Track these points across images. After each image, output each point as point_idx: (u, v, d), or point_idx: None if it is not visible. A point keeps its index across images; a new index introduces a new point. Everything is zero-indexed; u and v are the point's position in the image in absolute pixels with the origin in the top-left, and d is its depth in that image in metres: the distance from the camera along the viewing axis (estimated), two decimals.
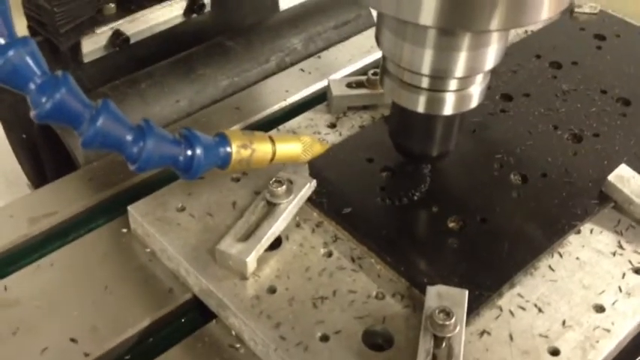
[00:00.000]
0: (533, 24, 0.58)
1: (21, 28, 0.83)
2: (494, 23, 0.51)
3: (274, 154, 0.67)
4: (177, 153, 0.61)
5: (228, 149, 0.64)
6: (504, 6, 0.50)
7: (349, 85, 0.78)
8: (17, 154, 0.96)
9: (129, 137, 0.58)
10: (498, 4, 0.50)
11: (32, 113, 0.54)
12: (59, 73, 0.54)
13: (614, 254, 0.64)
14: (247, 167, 0.66)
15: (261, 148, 0.66)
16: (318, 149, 0.71)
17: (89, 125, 0.55)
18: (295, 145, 0.69)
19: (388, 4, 0.52)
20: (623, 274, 0.62)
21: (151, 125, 0.59)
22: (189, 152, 0.61)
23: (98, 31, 0.85)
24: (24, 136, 0.93)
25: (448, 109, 0.62)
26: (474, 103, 0.63)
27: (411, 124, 0.66)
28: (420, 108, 0.63)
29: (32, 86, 0.53)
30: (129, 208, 0.67)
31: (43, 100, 0.53)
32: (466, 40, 0.56)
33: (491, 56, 0.59)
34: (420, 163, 0.70)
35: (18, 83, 0.53)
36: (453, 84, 0.61)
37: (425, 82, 0.61)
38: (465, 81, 0.61)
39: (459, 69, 0.58)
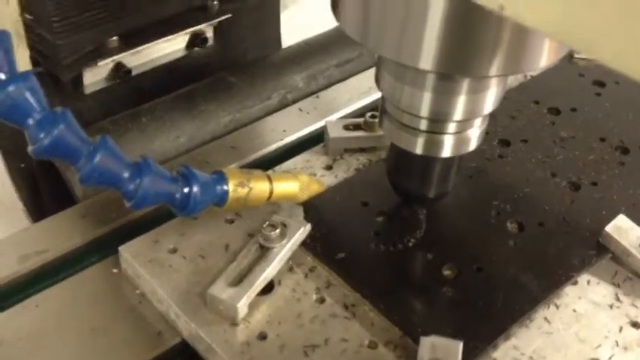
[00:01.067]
0: (532, 71, 0.58)
1: (24, 58, 0.83)
2: (493, 69, 0.51)
3: (271, 192, 0.67)
4: (174, 190, 0.61)
5: (225, 187, 0.64)
6: (503, 53, 0.50)
7: (346, 127, 0.78)
8: (15, 183, 0.96)
9: (126, 174, 0.57)
10: (497, 52, 0.50)
11: (30, 149, 0.54)
12: (58, 109, 0.54)
13: (611, 307, 0.63)
14: (244, 206, 0.66)
15: (259, 187, 0.66)
16: (315, 188, 0.70)
17: (87, 162, 0.55)
18: (293, 184, 0.68)
19: (389, 48, 0.52)
20: (620, 328, 0.61)
21: (148, 162, 0.59)
22: (185, 190, 0.61)
23: (100, 63, 0.84)
24: (22, 165, 0.92)
25: (446, 152, 0.62)
26: (472, 145, 0.63)
27: (409, 165, 0.66)
28: (419, 150, 0.62)
29: (31, 122, 0.53)
30: (120, 248, 0.66)
31: (42, 135, 0.53)
32: (465, 85, 0.56)
33: (490, 100, 0.59)
34: (417, 204, 0.70)
35: (17, 118, 0.53)
36: (451, 127, 0.60)
37: (424, 125, 0.61)
38: (464, 124, 0.61)
39: (458, 112, 0.58)
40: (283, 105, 0.92)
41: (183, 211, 0.62)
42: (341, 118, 0.85)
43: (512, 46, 0.50)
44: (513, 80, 0.91)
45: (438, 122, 0.60)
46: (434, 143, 0.62)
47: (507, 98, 0.84)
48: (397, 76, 0.58)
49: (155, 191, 0.59)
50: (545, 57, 0.52)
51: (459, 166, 0.66)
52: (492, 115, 0.79)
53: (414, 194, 0.69)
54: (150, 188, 0.58)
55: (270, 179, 0.67)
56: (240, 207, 0.66)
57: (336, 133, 0.77)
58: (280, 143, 0.83)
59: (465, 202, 0.71)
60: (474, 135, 0.62)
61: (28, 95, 0.52)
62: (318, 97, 0.91)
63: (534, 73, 0.91)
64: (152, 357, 0.61)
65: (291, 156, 0.78)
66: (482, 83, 0.57)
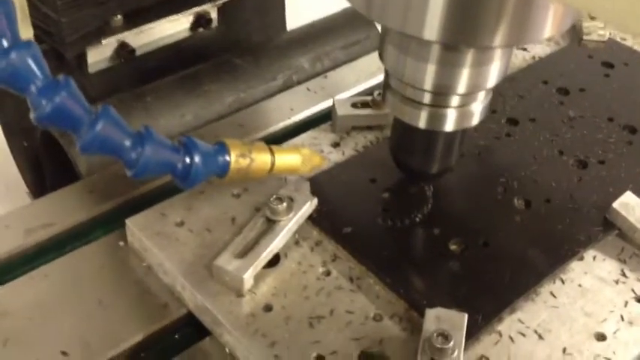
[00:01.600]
0: (535, 42, 0.58)
1: (27, 36, 0.83)
2: (498, 40, 0.51)
3: (273, 164, 0.67)
4: (176, 160, 0.61)
5: (227, 158, 0.64)
6: (507, 22, 0.50)
7: (354, 105, 0.78)
8: (17, 161, 0.96)
9: (127, 143, 0.58)
10: (502, 21, 0.50)
11: (32, 115, 0.54)
12: (61, 76, 0.54)
13: (616, 282, 0.63)
14: (246, 177, 0.66)
15: (260, 158, 0.66)
16: (317, 161, 0.70)
17: (88, 129, 0.55)
18: (294, 157, 0.68)
19: (393, 18, 0.52)
20: (626, 303, 0.61)
21: (150, 131, 0.59)
22: (187, 160, 0.61)
23: (104, 42, 0.84)
24: (25, 143, 0.93)
25: (449, 126, 0.62)
26: (475, 120, 0.63)
27: (412, 140, 0.66)
28: (422, 124, 0.62)
29: (33, 89, 0.53)
30: (127, 221, 0.66)
31: (44, 102, 0.53)
32: (469, 57, 0.56)
33: (493, 74, 0.58)
34: (420, 180, 0.70)
35: (19, 85, 0.53)
36: (454, 100, 0.60)
37: (427, 98, 0.60)
38: (467, 98, 0.60)
39: (462, 85, 0.58)
40: (288, 86, 0.92)
41: (184, 181, 0.62)
42: (349, 96, 0.85)
43: (516, 16, 0.50)
44: (522, 61, 0.90)
45: (441, 95, 0.60)
46: (437, 117, 0.61)
47: (516, 79, 0.85)
48: (401, 48, 0.58)
49: (157, 160, 0.59)
50: (548, 27, 0.52)
51: (461, 141, 0.66)
52: (501, 95, 0.80)
53: (416, 170, 0.69)
54: (151, 157, 0.58)
55: (272, 151, 0.67)
56: (242, 178, 0.66)
57: (343, 110, 0.77)
58: (288, 122, 0.83)
59: (472, 178, 0.71)
60: (477, 109, 0.62)
61: (30, 62, 0.53)
62: (326, 77, 0.91)
63: (543, 54, 0.90)
64: (158, 328, 0.61)
65: (299, 134, 0.78)
66: (485, 55, 0.57)
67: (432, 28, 0.50)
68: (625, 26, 0.33)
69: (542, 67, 0.88)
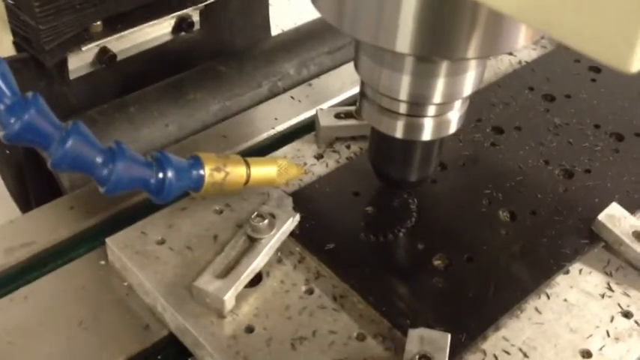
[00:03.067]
0: (509, 51, 0.57)
1: (6, 44, 0.82)
2: (471, 51, 0.50)
3: (249, 177, 0.66)
4: (149, 176, 0.60)
5: (201, 172, 0.63)
6: (480, 34, 0.49)
7: (338, 116, 0.77)
8: (1, 170, 0.95)
9: (99, 159, 0.57)
10: (474, 33, 0.49)
11: (1, 134, 0.53)
12: (29, 94, 0.54)
13: (602, 296, 0.62)
14: (221, 190, 0.66)
15: (236, 171, 0.65)
16: (294, 172, 0.70)
17: (58, 146, 0.55)
18: (270, 169, 0.68)
19: (365, 32, 0.51)
20: (612, 318, 0.60)
21: (122, 147, 0.58)
22: (160, 175, 0.60)
23: (84, 48, 0.84)
24: (7, 151, 0.92)
25: (427, 135, 0.62)
26: (452, 128, 0.62)
27: (389, 149, 0.65)
28: (399, 134, 0.62)
29: (1, 107, 0.53)
30: (107, 240, 0.65)
31: (12, 120, 0.53)
32: (443, 67, 0.56)
33: (469, 83, 0.58)
34: (399, 188, 0.69)
35: None
36: (431, 110, 0.60)
37: (403, 108, 0.60)
38: (444, 107, 0.60)
39: (437, 95, 0.57)
40: (274, 93, 0.91)
41: (158, 196, 0.61)
42: (332, 106, 0.84)
43: (488, 27, 0.49)
44: (508, 66, 0.90)
45: (417, 105, 0.59)
46: (414, 127, 0.61)
47: (502, 85, 0.84)
48: (375, 59, 0.58)
49: (129, 176, 0.58)
50: (522, 37, 0.51)
51: (440, 149, 0.66)
52: (486, 102, 0.79)
53: (395, 179, 0.68)
54: (123, 173, 0.58)
55: (247, 163, 0.66)
56: (218, 192, 0.66)
57: (327, 121, 0.76)
58: (272, 132, 0.83)
59: (456, 190, 0.71)
60: (454, 118, 0.61)
61: None
62: (310, 84, 0.90)
63: (529, 59, 0.90)
64: (139, 350, 0.60)
65: (283, 144, 0.78)
66: (460, 65, 0.56)
67: (404, 40, 0.49)
68: (587, 47, 0.32)
69: (529, 72, 0.87)
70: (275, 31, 1.09)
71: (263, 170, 0.67)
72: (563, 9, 0.32)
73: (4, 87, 0.52)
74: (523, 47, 0.58)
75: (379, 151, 0.67)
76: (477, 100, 0.81)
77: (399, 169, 0.67)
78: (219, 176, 0.64)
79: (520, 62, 0.90)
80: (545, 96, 0.83)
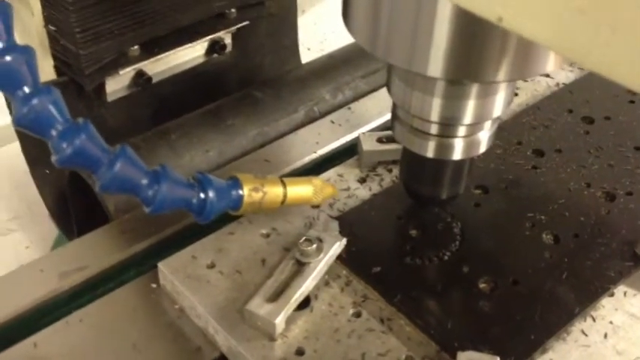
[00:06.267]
0: (539, 74, 0.59)
1: (48, 67, 0.85)
2: (501, 75, 0.52)
3: (285, 196, 0.68)
4: (191, 196, 0.62)
5: (240, 192, 0.65)
6: (510, 59, 0.51)
7: (380, 140, 0.78)
8: (40, 188, 0.98)
9: (144, 181, 0.59)
10: (504, 58, 0.51)
11: (53, 158, 0.55)
12: (80, 120, 0.56)
13: None
14: (259, 210, 0.68)
15: (273, 191, 0.67)
16: (329, 192, 0.71)
17: (107, 169, 0.57)
18: (306, 188, 0.69)
19: (398, 57, 0.53)
20: None
21: (166, 169, 0.60)
22: (202, 195, 0.62)
23: (122, 71, 0.86)
24: (47, 171, 0.95)
25: (457, 155, 0.63)
26: (482, 148, 0.64)
27: (421, 167, 0.67)
28: (430, 153, 0.63)
29: (54, 133, 0.55)
30: (159, 264, 0.67)
31: (64, 145, 0.55)
32: (474, 90, 0.57)
33: (499, 104, 0.59)
34: (429, 205, 0.71)
35: (41, 130, 0.55)
36: (461, 130, 0.61)
37: (434, 129, 0.61)
38: (474, 127, 0.61)
39: (467, 116, 0.59)
40: (310, 118, 0.93)
41: (200, 216, 0.63)
42: (373, 130, 0.85)
43: (518, 52, 0.51)
44: (546, 88, 0.90)
45: (448, 126, 0.61)
46: (445, 147, 0.62)
47: (541, 108, 0.85)
48: (407, 82, 0.59)
49: (172, 197, 0.60)
50: (551, 61, 0.53)
51: (470, 168, 0.67)
52: (527, 126, 0.80)
53: (426, 197, 0.69)
54: (167, 194, 0.60)
55: (284, 184, 0.68)
56: (255, 211, 0.68)
57: (369, 145, 0.78)
58: (313, 155, 0.84)
59: (499, 214, 0.71)
60: (484, 138, 0.63)
61: (51, 107, 0.54)
62: (349, 108, 0.92)
63: (567, 81, 0.90)
64: None
65: (325, 168, 0.79)
66: (490, 88, 0.58)
67: (436, 65, 0.51)
68: (622, 78, 0.33)
69: (567, 94, 0.88)
70: (303, 51, 1.12)
71: (299, 190, 0.69)
72: (597, 42, 0.33)
73: (56, 114, 0.54)
74: (552, 70, 0.59)
75: (410, 170, 0.69)
76: (516, 123, 0.82)
77: (430, 187, 0.68)
78: (257, 196, 0.66)
79: (558, 84, 0.91)
80: (585, 118, 0.84)
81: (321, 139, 0.86)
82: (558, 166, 0.77)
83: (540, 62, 0.52)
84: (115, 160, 0.57)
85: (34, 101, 0.53)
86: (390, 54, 0.53)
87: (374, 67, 1.00)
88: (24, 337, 0.64)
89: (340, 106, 0.94)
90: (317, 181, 0.70)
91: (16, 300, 0.67)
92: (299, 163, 0.83)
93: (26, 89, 0.53)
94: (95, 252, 0.72)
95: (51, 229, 1.00)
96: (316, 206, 0.73)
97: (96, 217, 0.80)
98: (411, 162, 0.67)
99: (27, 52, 0.53)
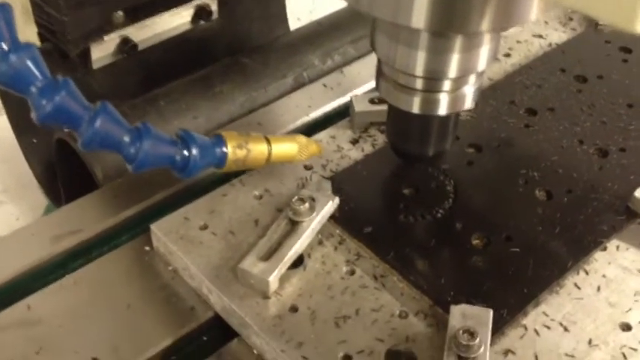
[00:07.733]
0: (522, 24, 0.58)
1: (31, 34, 0.84)
2: (485, 25, 0.51)
3: (270, 154, 0.68)
4: (174, 153, 0.62)
5: (224, 150, 0.65)
6: (494, 7, 0.50)
7: (372, 101, 0.78)
8: (28, 157, 0.98)
9: (126, 138, 0.59)
10: (488, 6, 0.50)
11: (33, 115, 0.55)
12: (59, 77, 0.55)
13: None
14: (243, 167, 0.67)
15: (257, 149, 0.67)
16: (314, 149, 0.71)
17: (88, 126, 0.56)
18: (291, 146, 0.69)
19: (382, 9, 0.52)
20: None
21: (147, 127, 0.60)
22: (185, 152, 0.62)
23: (106, 38, 0.86)
24: (34, 140, 0.95)
25: (443, 110, 0.63)
26: (468, 103, 0.63)
27: (407, 125, 0.67)
28: (416, 109, 0.63)
29: (33, 90, 0.54)
30: (152, 226, 0.67)
31: (44, 102, 0.55)
32: (458, 42, 0.57)
33: (483, 57, 0.59)
34: (417, 162, 0.71)
35: (20, 87, 0.54)
36: (446, 85, 0.61)
37: (419, 84, 0.61)
38: (459, 81, 0.61)
39: (453, 70, 0.59)
40: (299, 84, 0.92)
41: (182, 172, 0.63)
42: (366, 92, 0.85)
43: (500, 0, 0.50)
44: (539, 49, 0.90)
45: (433, 81, 0.61)
46: (430, 102, 0.62)
47: (533, 67, 0.84)
48: (391, 36, 0.59)
49: (155, 154, 0.60)
50: (534, 8, 0.52)
51: (455, 124, 0.67)
52: (519, 85, 0.80)
53: (413, 154, 0.69)
54: (150, 151, 0.59)
55: (268, 141, 0.68)
56: (240, 168, 0.67)
57: (361, 106, 0.77)
58: (306, 119, 0.84)
59: (492, 172, 0.71)
60: (470, 92, 0.62)
61: (30, 64, 0.54)
62: (342, 72, 0.91)
63: (559, 41, 0.90)
64: (186, 331, 0.62)
65: (317, 131, 0.79)
66: (474, 40, 0.57)
67: (419, 16, 0.51)
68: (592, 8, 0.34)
69: (559, 54, 0.88)
70: (292, 21, 1.11)
71: (284, 147, 0.69)
72: None
73: (35, 71, 0.54)
74: (536, 19, 0.59)
75: (397, 127, 0.69)
76: (509, 83, 0.82)
77: (417, 144, 0.68)
78: (241, 153, 0.66)
79: (550, 45, 0.91)
80: (577, 77, 0.83)
81: (313, 103, 0.86)
82: (551, 124, 0.77)
83: (523, 10, 0.52)
84: (95, 117, 0.57)
85: (13, 58, 0.53)
86: (373, 7, 0.53)
87: (362, 32, 0.99)
88: (17, 299, 0.64)
89: (329, 72, 0.93)
90: (301, 138, 0.70)
91: (10, 263, 0.67)
92: (292, 127, 0.83)
93: (4, 46, 0.53)
94: (88, 216, 0.72)
95: (41, 201, 1.01)
96: (309, 168, 0.73)
97: (84, 185, 0.79)
98: (396, 120, 0.67)
99: (3, 9, 0.53)
